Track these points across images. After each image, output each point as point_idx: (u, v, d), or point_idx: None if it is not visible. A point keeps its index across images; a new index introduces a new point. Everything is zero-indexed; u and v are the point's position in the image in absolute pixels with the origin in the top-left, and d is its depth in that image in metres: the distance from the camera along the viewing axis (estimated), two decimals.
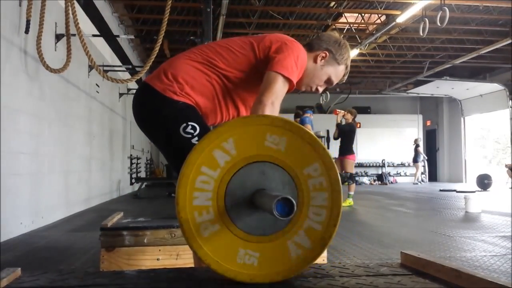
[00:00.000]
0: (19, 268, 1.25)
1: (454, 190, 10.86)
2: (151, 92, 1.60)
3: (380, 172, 17.32)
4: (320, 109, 16.91)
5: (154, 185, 12.60)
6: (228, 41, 1.72)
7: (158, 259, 2.22)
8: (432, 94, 16.99)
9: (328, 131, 14.23)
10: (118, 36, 8.82)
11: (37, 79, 4.76)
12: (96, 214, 5.94)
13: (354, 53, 11.05)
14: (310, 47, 1.76)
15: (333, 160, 1.21)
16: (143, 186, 9.79)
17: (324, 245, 1.20)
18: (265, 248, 1.18)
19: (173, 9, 7.80)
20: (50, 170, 5.22)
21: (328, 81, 1.80)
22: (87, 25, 6.40)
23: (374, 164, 17.38)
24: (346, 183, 6.88)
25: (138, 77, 5.93)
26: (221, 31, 9.26)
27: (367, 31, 10.99)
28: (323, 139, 13.20)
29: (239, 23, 10.19)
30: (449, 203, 7.83)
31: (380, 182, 16.73)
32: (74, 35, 4.99)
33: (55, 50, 5.32)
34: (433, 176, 17.67)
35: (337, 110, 7.76)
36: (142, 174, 12.48)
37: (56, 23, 5.32)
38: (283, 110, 1.94)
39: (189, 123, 1.55)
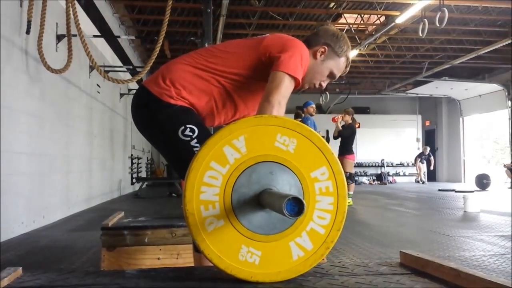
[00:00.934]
0: (20, 268, 1.26)
1: (453, 190, 10.85)
2: (148, 96, 1.60)
3: (379, 172, 17.33)
4: (320, 109, 16.89)
5: (154, 185, 12.60)
6: (227, 43, 1.73)
7: (158, 259, 2.22)
8: (431, 95, 16.99)
9: (327, 131, 14.21)
10: (119, 36, 8.85)
11: (38, 80, 4.76)
12: (96, 213, 5.94)
13: (353, 53, 11.04)
14: (308, 44, 1.72)
15: (340, 165, 1.22)
16: (144, 186, 9.80)
17: (326, 249, 1.21)
18: (267, 247, 1.19)
19: (173, 10, 7.82)
20: (51, 170, 5.23)
21: (331, 75, 1.77)
22: (88, 26, 6.41)
23: (373, 164, 17.40)
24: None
25: (139, 78, 5.95)
26: (221, 31, 9.26)
27: (367, 32, 10.99)
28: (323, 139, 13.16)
29: (239, 23, 10.20)
30: (448, 203, 7.84)
31: (379, 182, 16.73)
32: (75, 35, 5.00)
33: (56, 51, 5.33)
34: (432, 176, 17.67)
35: (335, 117, 7.71)
36: (143, 174, 12.50)
37: (57, 24, 5.33)
38: None
39: (187, 125, 1.55)
